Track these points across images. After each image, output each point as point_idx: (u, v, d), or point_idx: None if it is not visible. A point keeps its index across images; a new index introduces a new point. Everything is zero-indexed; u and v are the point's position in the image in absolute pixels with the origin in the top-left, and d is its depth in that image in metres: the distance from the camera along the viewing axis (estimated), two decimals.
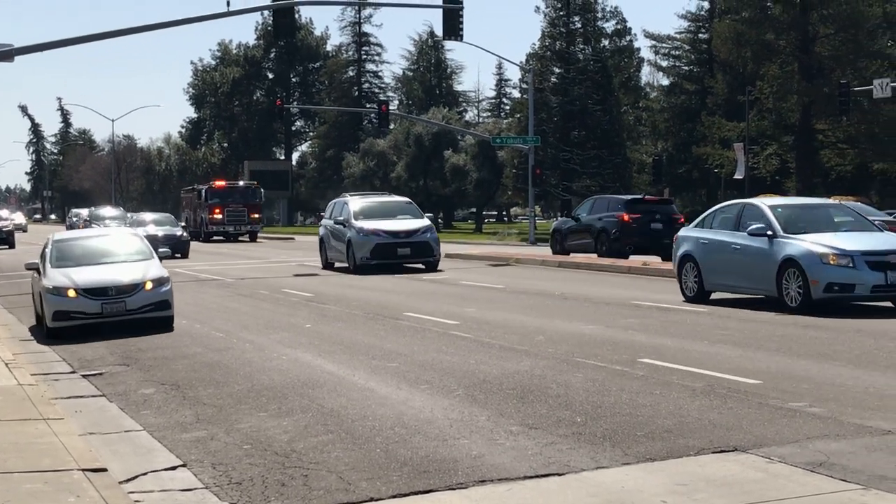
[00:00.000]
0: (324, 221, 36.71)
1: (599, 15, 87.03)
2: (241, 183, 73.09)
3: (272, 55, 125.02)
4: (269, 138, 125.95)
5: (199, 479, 8.74)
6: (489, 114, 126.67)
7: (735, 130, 72.04)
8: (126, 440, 10.38)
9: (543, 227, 72.65)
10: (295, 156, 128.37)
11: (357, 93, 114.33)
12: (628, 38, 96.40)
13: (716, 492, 7.83)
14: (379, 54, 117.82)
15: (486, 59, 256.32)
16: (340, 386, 12.63)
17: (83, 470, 8.49)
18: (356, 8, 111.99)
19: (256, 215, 70.60)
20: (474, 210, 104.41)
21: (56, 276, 18.92)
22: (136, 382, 13.68)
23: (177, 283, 22.36)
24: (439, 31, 48.51)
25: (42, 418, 10.68)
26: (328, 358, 14.97)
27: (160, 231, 45.26)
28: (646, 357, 13.82)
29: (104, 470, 8.59)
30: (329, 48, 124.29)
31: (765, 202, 21.21)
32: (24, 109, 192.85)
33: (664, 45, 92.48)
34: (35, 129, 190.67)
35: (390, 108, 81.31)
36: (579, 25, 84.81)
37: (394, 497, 8.05)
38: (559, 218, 59.28)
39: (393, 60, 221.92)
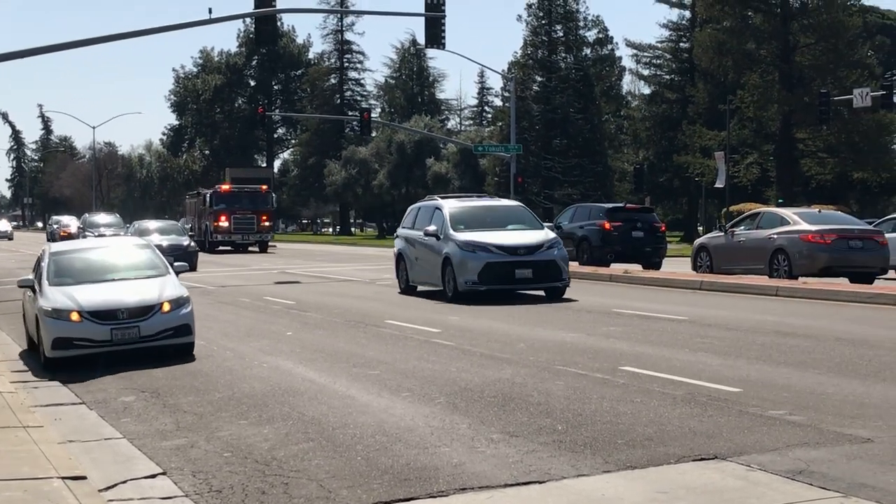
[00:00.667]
0: (401, 232, 28.75)
1: (581, 24, 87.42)
2: (250, 186, 65.84)
3: (254, 62, 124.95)
4: (250, 146, 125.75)
5: (179, 487, 8.71)
6: (471, 122, 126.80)
7: (716, 139, 72.33)
8: (106, 448, 10.33)
9: None
10: (277, 163, 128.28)
11: (339, 100, 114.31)
12: (610, 46, 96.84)
13: (696, 499, 7.85)
14: (361, 62, 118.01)
15: (468, 68, 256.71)
16: (321, 394, 12.61)
17: (63, 478, 8.45)
18: (338, 16, 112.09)
19: (267, 223, 63.12)
20: None
21: (56, 296, 15.87)
22: (116, 390, 13.63)
23: None
24: (421, 40, 48.72)
25: (21, 426, 10.63)
26: (309, 366, 14.94)
27: (165, 241, 39.85)
28: (627, 365, 13.84)
29: (84, 478, 8.55)
30: (311, 56, 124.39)
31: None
32: (4, 116, 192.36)
33: (645, 53, 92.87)
34: (16, 135, 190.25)
35: (372, 115, 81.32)
36: (561, 34, 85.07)
37: None
38: None
39: (375, 68, 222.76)
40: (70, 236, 73.48)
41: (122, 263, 17.56)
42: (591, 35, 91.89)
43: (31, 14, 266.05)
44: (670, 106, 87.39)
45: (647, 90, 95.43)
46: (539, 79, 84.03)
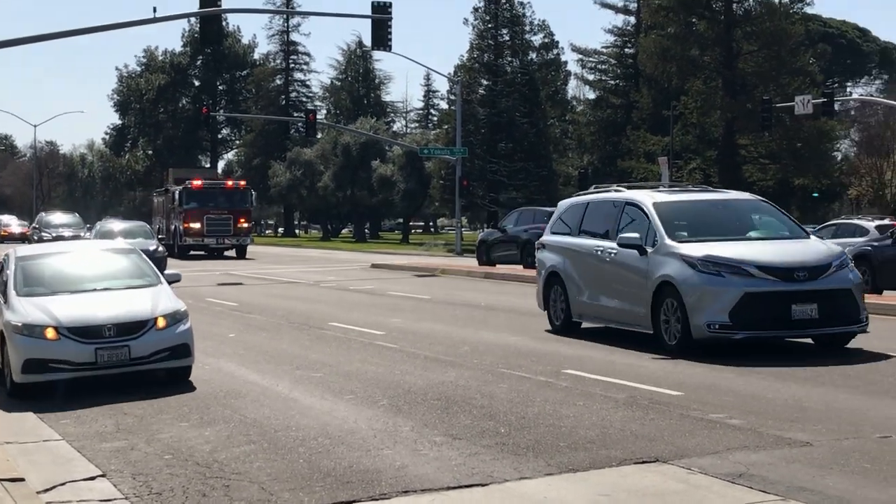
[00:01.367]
0: (552, 240, 19.70)
1: (527, 28, 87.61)
2: (227, 182, 58.30)
3: (199, 62, 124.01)
4: (194, 146, 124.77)
5: (118, 490, 8.62)
6: (417, 124, 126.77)
7: (659, 144, 72.87)
8: (44, 450, 10.21)
9: (470, 238, 72.84)
10: (221, 164, 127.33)
11: (284, 101, 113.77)
12: (556, 51, 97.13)
13: (637, 502, 7.89)
14: (307, 63, 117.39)
15: (415, 70, 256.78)
16: (264, 396, 12.54)
17: (0, 480, 8.33)
18: (284, 17, 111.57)
19: (245, 224, 55.28)
20: (401, 220, 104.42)
21: (26, 309, 13.30)
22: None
23: None
24: (368, 41, 48.56)
25: None
26: (252, 368, 14.86)
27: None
28: (570, 368, 13.89)
29: (21, 480, 8.45)
30: (256, 56, 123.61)
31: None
32: None
33: (591, 58, 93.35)
34: None
35: (318, 117, 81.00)
36: (507, 38, 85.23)
37: None
38: (485, 229, 59.52)
39: (321, 70, 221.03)
40: (11, 237, 72.28)
41: (105, 271, 14.91)
42: (537, 39, 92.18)
43: None
44: (615, 111, 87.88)
45: (592, 95, 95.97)
46: (485, 82, 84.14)
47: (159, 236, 48.15)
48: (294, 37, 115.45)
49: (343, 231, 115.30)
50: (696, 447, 9.42)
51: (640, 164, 75.12)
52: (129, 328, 13.14)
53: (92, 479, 9.00)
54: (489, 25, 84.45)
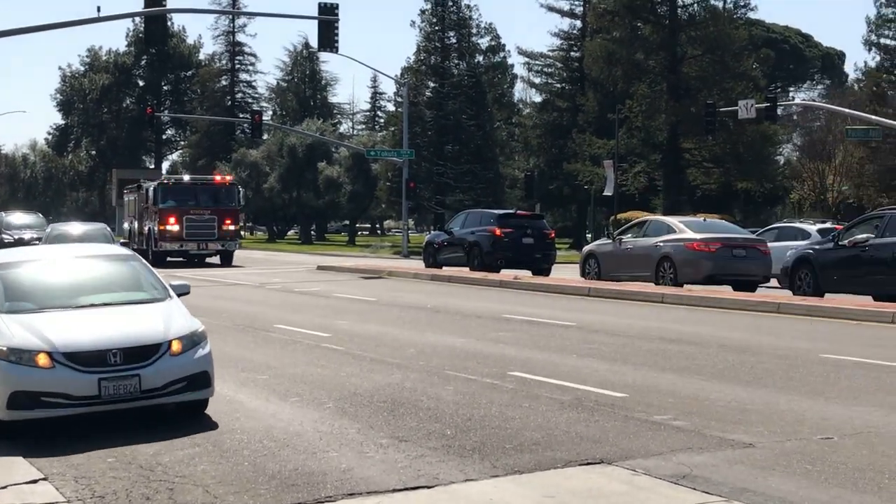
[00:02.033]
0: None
1: (474, 31, 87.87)
2: (213, 178, 50.54)
3: (143, 62, 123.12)
4: (138, 147, 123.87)
5: (60, 493, 8.53)
6: (364, 126, 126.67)
7: (605, 148, 73.29)
8: None
9: (416, 240, 72.84)
10: (165, 165, 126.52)
11: (230, 102, 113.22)
12: (502, 54, 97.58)
13: None
14: (253, 64, 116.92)
15: (362, 72, 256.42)
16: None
17: None
18: (230, 17, 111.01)
19: (232, 226, 47.33)
20: (347, 222, 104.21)
21: (12, 330, 10.81)
22: None
23: None
24: (314, 43, 48.42)
25: None
26: None
27: None
28: (516, 370, 13.94)
29: None
30: (202, 56, 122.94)
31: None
32: None
33: (537, 62, 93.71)
34: None
35: (264, 118, 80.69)
36: (454, 41, 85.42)
37: None
38: (432, 231, 59.57)
39: (267, 71, 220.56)
40: None
41: (102, 281, 12.39)
42: (484, 42, 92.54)
43: None
44: (561, 114, 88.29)
45: (538, 98, 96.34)
46: (432, 84, 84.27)
47: (122, 240, 44.31)
48: (240, 37, 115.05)
49: (289, 233, 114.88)
50: (640, 448, 9.49)
51: (586, 167, 75.51)
52: (139, 353, 10.68)
53: (34, 482, 8.89)
54: (436, 28, 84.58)
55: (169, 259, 46.54)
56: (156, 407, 11.01)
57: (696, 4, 72.79)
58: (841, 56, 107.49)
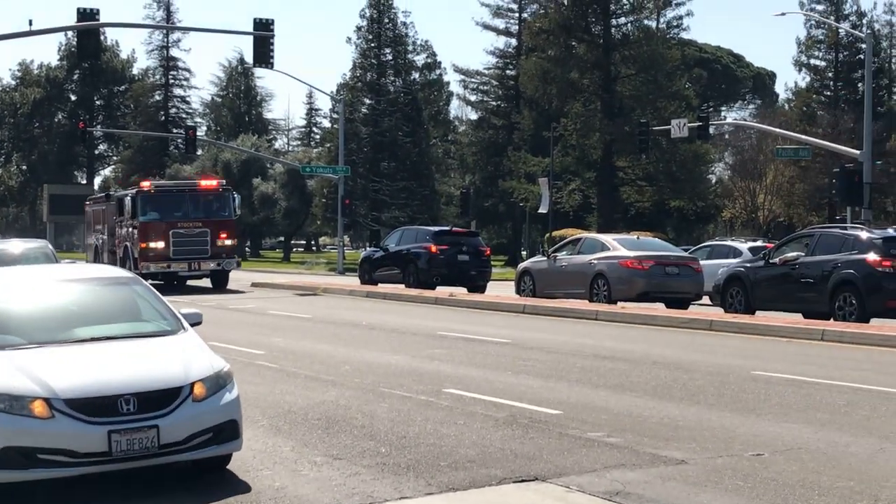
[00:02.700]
0: None
1: (410, 48, 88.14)
2: (201, 183, 41.61)
3: (76, 77, 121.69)
4: (70, 162, 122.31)
5: None
6: (299, 142, 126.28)
7: (540, 165, 73.71)
8: None
9: (352, 256, 72.70)
10: (97, 180, 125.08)
11: (164, 117, 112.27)
12: (438, 71, 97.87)
13: None
14: (187, 79, 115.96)
15: (297, 88, 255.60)
16: None
17: None
18: (164, 32, 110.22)
19: (228, 241, 39.07)
20: (282, 239, 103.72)
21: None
22: None
23: None
24: (250, 58, 48.27)
25: None
26: None
27: None
28: (451, 387, 13.94)
29: None
30: (135, 71, 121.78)
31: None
32: None
33: (473, 79, 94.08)
34: None
35: (198, 133, 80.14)
36: (390, 58, 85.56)
37: None
38: (368, 248, 59.49)
39: (202, 86, 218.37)
40: None
41: (100, 310, 10.32)
42: (420, 59, 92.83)
43: None
44: (496, 132, 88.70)
45: (474, 115, 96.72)
46: (368, 101, 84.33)
47: (65, 261, 32.62)
48: (174, 52, 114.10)
49: None
50: (574, 465, 9.53)
51: (522, 184, 75.87)
52: (157, 400, 8.76)
53: None
54: (372, 45, 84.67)
55: (151, 283, 35.80)
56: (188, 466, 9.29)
57: (629, 24, 73.56)
58: (772, 76, 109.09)
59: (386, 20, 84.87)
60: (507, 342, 19.73)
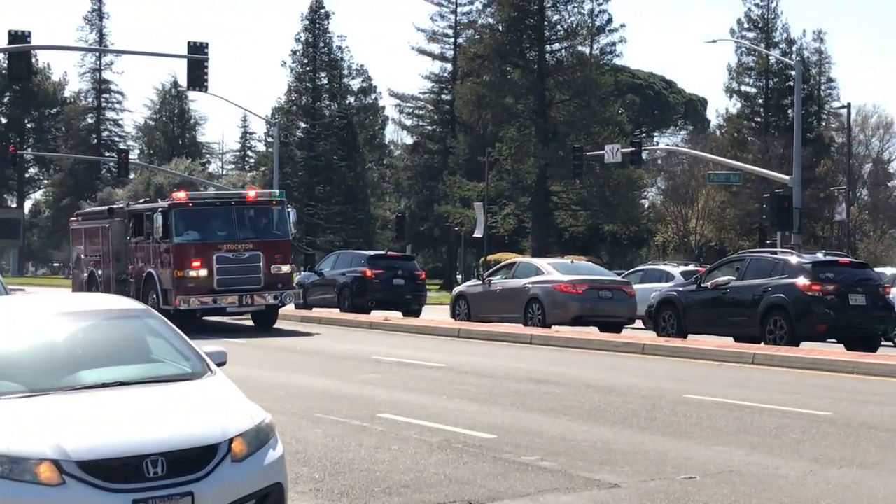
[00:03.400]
0: None
1: (346, 72, 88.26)
2: (249, 193, 32.28)
3: (6, 99, 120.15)
4: (0, 185, 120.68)
5: None
6: (233, 166, 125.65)
7: (475, 190, 73.99)
8: None
9: None
10: (28, 204, 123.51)
11: (96, 140, 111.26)
12: (374, 96, 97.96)
13: None
14: (120, 102, 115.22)
15: (232, 111, 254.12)
16: None
17: None
18: (97, 54, 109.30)
19: (284, 267, 30.02)
20: None
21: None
22: None
23: None
24: (184, 81, 48.00)
25: None
26: None
27: None
28: (385, 412, 13.90)
29: None
30: (68, 94, 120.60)
31: None
32: None
33: (408, 104, 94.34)
34: None
35: (131, 157, 79.48)
36: (325, 82, 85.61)
37: None
38: (302, 272, 59.22)
39: (135, 109, 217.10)
40: None
41: (110, 350, 8.48)
42: (356, 84, 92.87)
43: None
44: (432, 156, 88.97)
45: (409, 140, 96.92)
46: (303, 125, 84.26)
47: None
48: (106, 75, 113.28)
49: None
50: (508, 490, 9.54)
51: (457, 208, 76.10)
52: (190, 460, 7.16)
53: None
54: (307, 69, 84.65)
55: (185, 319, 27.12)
56: None
57: (563, 50, 74.24)
58: (703, 102, 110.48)
59: (321, 44, 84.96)
60: (441, 366, 19.73)
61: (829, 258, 25.67)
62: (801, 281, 23.40)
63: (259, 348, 24.15)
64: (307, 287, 38.33)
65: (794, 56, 75.66)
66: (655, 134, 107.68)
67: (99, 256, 34.03)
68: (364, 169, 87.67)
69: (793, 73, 60.33)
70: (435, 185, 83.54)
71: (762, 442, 11.90)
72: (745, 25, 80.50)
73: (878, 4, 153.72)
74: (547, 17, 73.69)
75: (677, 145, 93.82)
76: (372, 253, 39.00)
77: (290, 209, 30.83)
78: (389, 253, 40.51)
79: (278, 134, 65.54)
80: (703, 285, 25.77)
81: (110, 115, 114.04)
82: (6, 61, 39.62)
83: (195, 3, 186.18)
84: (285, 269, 29.98)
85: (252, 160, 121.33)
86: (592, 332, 27.24)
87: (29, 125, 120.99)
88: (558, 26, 73.89)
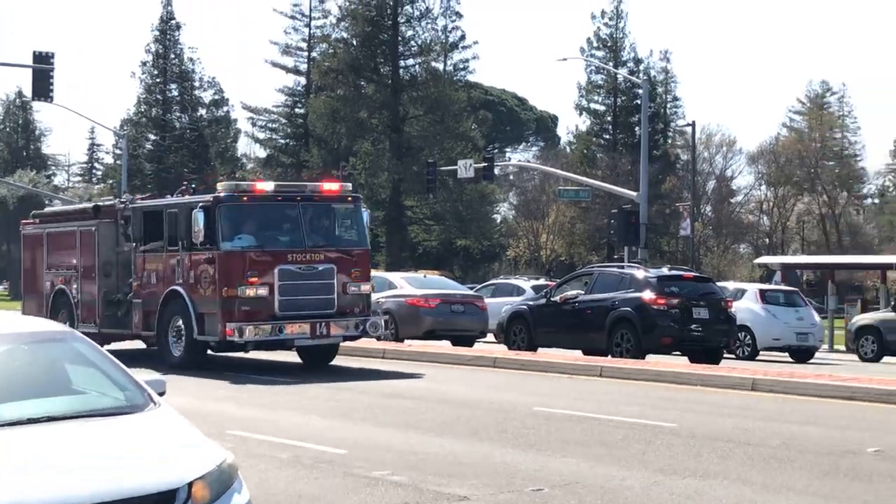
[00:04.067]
0: None
1: (197, 84, 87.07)
2: (322, 186, 22.68)
3: None
4: None
5: None
6: (80, 178, 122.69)
7: None
8: None
9: None
10: None
11: None
12: (226, 108, 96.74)
13: None
14: None
15: (78, 123, 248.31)
16: None
17: None
18: None
19: (364, 285, 22.13)
20: None
21: None
22: None
23: None
24: (28, 92, 46.75)
25: None
26: None
27: None
28: (234, 429, 13.74)
29: None
30: None
31: None
32: None
33: (262, 117, 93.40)
34: None
35: None
36: (176, 93, 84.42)
37: None
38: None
39: None
40: None
41: (32, 377, 7.25)
42: (207, 96, 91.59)
43: None
44: (285, 169, 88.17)
45: (262, 153, 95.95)
46: (153, 137, 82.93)
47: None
48: None
49: None
50: None
51: None
52: None
53: None
54: (157, 80, 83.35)
55: (229, 354, 23.76)
56: None
57: (417, 66, 74.67)
58: (554, 119, 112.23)
59: (172, 55, 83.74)
60: (291, 382, 19.59)
61: (673, 272, 26.33)
62: (647, 295, 23.93)
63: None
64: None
65: (641, 75, 77.40)
66: (507, 150, 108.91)
67: (73, 270, 25.79)
68: (216, 182, 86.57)
69: (640, 91, 61.68)
70: None
71: (608, 453, 12.11)
72: (595, 44, 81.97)
73: (724, 25, 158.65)
74: (401, 33, 74.08)
75: (529, 161, 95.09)
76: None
77: (365, 208, 23.47)
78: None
79: (127, 146, 64.33)
80: (552, 299, 26.17)
81: None
82: None
83: (42, 11, 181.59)
84: (365, 287, 22.43)
85: (100, 172, 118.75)
86: (445, 346, 27.39)
87: None
88: (412, 42, 74.30)
